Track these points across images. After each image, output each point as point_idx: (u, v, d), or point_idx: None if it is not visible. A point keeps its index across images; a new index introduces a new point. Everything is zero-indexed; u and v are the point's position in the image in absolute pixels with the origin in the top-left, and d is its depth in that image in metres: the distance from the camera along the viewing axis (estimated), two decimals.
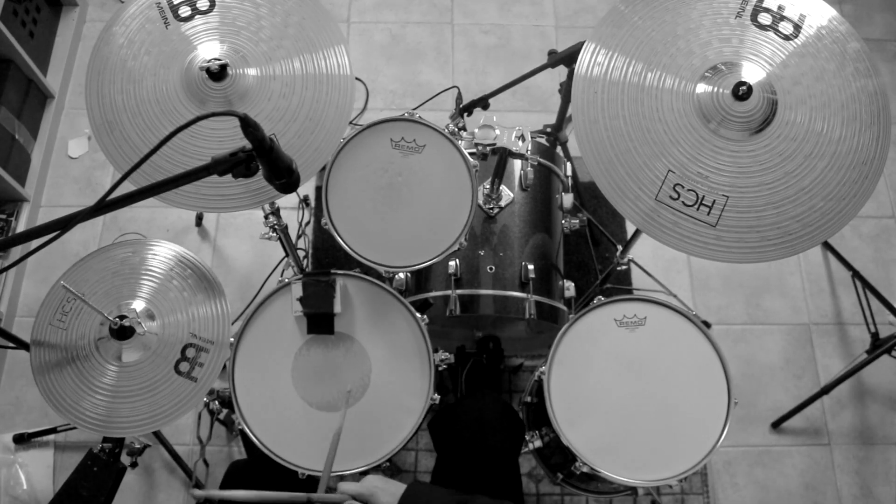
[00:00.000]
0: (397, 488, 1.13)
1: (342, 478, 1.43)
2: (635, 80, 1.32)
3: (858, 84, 1.30)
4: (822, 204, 1.27)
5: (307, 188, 2.50)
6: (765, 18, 1.34)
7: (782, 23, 1.34)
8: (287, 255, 1.97)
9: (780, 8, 1.34)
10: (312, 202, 2.48)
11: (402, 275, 1.68)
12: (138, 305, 1.39)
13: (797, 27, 1.33)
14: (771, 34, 1.33)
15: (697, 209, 1.28)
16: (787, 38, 1.33)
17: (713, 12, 1.35)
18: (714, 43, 1.33)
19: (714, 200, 1.27)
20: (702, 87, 1.31)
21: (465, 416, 1.52)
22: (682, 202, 1.28)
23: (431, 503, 1.13)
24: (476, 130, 1.63)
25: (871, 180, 1.28)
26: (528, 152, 1.72)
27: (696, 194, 1.28)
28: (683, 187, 1.28)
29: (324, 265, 2.37)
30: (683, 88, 1.31)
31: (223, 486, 1.53)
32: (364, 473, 1.40)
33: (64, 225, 0.94)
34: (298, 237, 2.41)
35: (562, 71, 1.88)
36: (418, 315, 1.45)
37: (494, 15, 2.85)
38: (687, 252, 1.29)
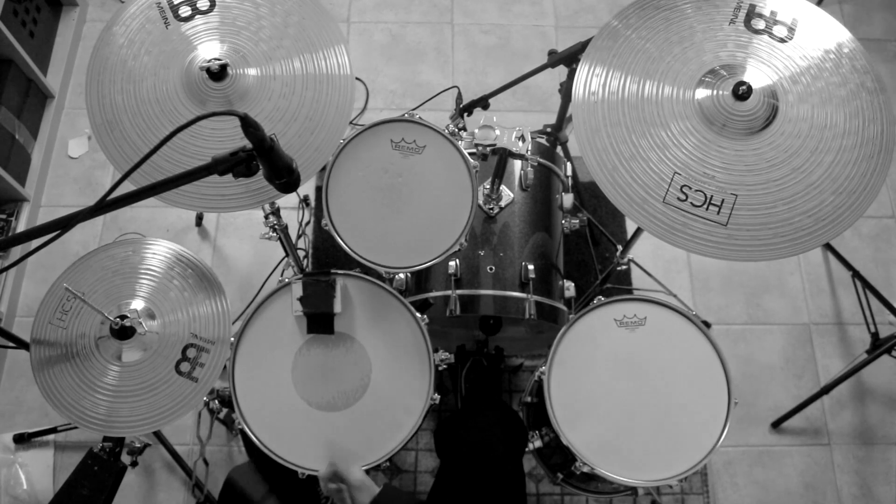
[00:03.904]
0: (372, 487, 1.24)
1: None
2: (634, 88, 1.32)
3: (857, 81, 1.31)
4: (832, 198, 1.27)
5: (307, 188, 2.50)
6: (758, 23, 1.35)
7: (776, 27, 1.35)
8: (287, 255, 1.97)
9: (772, 13, 1.36)
10: (312, 202, 2.48)
11: (402, 275, 1.68)
12: (138, 305, 1.39)
13: (791, 30, 1.34)
14: (765, 38, 1.34)
15: (706, 209, 1.27)
16: (781, 40, 1.34)
17: (706, 20, 1.36)
18: (709, 50, 1.34)
19: (723, 199, 1.27)
20: (701, 93, 1.31)
21: (467, 431, 1.52)
22: (691, 203, 1.27)
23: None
24: (476, 131, 1.63)
25: (879, 174, 1.27)
26: (528, 152, 1.72)
27: (704, 194, 1.27)
28: (691, 188, 1.27)
29: (324, 265, 2.37)
30: (683, 96, 1.31)
31: (223, 494, 1.52)
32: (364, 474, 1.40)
33: (64, 225, 0.94)
34: (298, 237, 2.41)
35: (562, 71, 1.88)
36: (418, 315, 1.45)
37: (494, 15, 2.85)
38: (700, 253, 1.27)
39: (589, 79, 1.34)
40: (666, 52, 1.34)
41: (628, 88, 1.33)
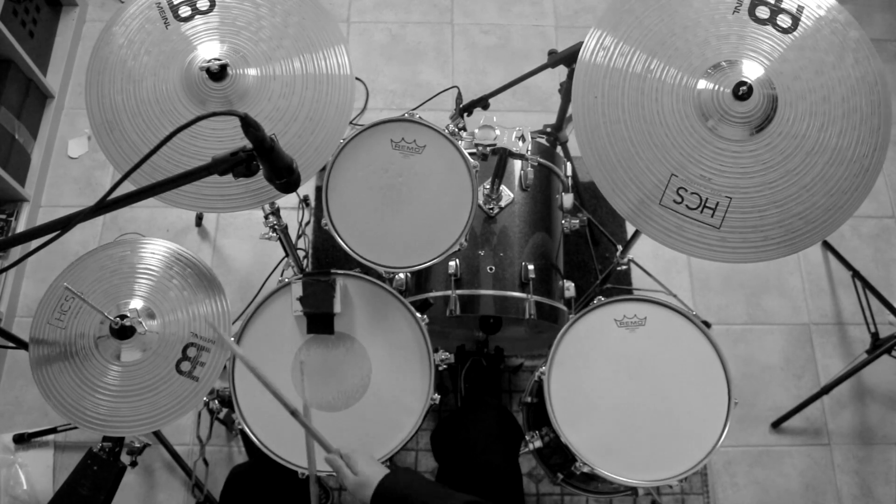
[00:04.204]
0: (380, 469, 1.15)
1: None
2: (636, 80, 1.32)
3: (858, 74, 1.29)
4: (824, 200, 1.27)
5: (307, 188, 2.50)
6: (762, 12, 1.33)
7: (780, 16, 1.33)
8: (287, 255, 1.97)
9: (777, 1, 1.33)
10: (312, 202, 2.48)
11: (402, 275, 1.68)
12: (138, 304, 1.39)
13: (795, 19, 1.32)
14: (769, 28, 1.33)
15: (701, 212, 1.27)
16: (785, 31, 1.32)
17: (710, 9, 1.34)
18: (712, 41, 1.32)
19: (717, 202, 1.27)
20: (703, 84, 1.30)
21: (463, 431, 1.52)
22: (686, 205, 1.28)
23: (412, 486, 1.13)
24: (476, 131, 1.63)
25: (872, 172, 1.27)
26: (528, 152, 1.72)
27: (700, 197, 1.27)
28: (687, 190, 1.28)
29: (324, 265, 2.37)
30: (684, 86, 1.31)
31: (225, 492, 1.53)
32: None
33: (64, 225, 0.94)
34: (298, 237, 2.41)
35: (562, 71, 1.88)
36: (418, 315, 1.45)
37: (494, 15, 2.85)
38: (692, 255, 1.28)
39: (597, 48, 1.33)
40: (670, 40, 1.32)
41: (631, 71, 1.32)
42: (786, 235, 1.27)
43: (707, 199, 1.27)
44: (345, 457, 1.15)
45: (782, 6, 1.33)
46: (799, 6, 1.33)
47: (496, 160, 1.62)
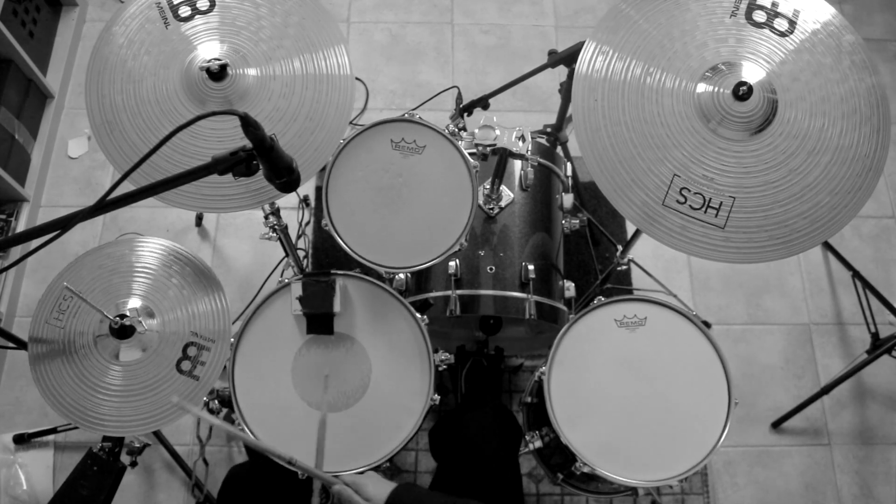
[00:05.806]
0: (387, 486, 1.17)
1: (337, 477, 1.43)
2: (635, 83, 1.32)
3: (856, 76, 1.30)
4: (828, 199, 1.27)
5: (307, 188, 2.50)
6: (759, 16, 1.34)
7: (777, 19, 1.34)
8: (287, 256, 1.97)
9: (773, 5, 1.34)
10: (312, 202, 2.48)
11: (402, 275, 1.68)
12: (137, 303, 1.39)
13: (792, 23, 1.34)
14: (766, 31, 1.33)
15: (705, 212, 1.27)
16: (782, 34, 1.33)
17: (707, 13, 1.35)
18: (710, 44, 1.33)
19: (721, 202, 1.27)
20: (702, 87, 1.30)
21: (461, 429, 1.52)
22: (690, 206, 1.28)
23: (421, 499, 1.17)
24: (476, 131, 1.63)
25: (874, 172, 1.27)
26: (529, 152, 1.72)
27: (703, 197, 1.27)
28: (690, 191, 1.28)
29: (324, 265, 2.37)
30: (683, 90, 1.31)
31: (223, 491, 1.53)
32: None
33: (64, 225, 0.94)
34: (298, 237, 2.41)
35: (562, 71, 1.88)
36: (418, 315, 1.45)
37: (494, 15, 2.85)
38: (697, 255, 1.28)
39: (594, 58, 1.34)
40: (668, 45, 1.33)
41: (630, 74, 1.32)
42: (790, 235, 1.27)
43: (710, 199, 1.27)
44: (352, 484, 1.17)
45: (779, 10, 1.34)
46: (795, 10, 1.34)
47: (496, 160, 1.62)
